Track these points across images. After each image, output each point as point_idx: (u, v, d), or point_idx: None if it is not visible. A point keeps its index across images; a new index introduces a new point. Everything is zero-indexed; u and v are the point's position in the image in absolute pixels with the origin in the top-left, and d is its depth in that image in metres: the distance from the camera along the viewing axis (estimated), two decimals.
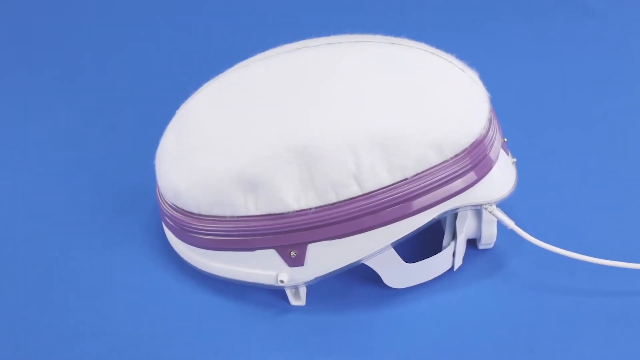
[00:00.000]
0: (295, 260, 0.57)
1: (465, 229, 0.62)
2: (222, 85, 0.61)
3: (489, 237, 0.64)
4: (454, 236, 0.63)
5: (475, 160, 0.56)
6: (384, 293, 0.63)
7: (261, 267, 0.59)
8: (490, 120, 0.59)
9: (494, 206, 0.59)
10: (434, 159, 0.55)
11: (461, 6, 1.06)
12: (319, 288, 0.63)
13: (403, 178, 0.54)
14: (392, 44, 0.60)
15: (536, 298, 0.63)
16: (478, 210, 0.62)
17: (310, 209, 0.55)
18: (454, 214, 0.62)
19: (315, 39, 0.63)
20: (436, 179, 0.55)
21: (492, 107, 0.60)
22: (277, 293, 0.64)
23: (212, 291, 0.65)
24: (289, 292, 0.62)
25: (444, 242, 0.63)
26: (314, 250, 0.57)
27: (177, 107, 0.64)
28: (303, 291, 0.63)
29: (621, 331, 0.60)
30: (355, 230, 0.55)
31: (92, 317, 0.64)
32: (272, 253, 0.57)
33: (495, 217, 0.59)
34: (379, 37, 0.62)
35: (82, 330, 0.63)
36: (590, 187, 0.74)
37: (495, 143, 0.58)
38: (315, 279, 0.59)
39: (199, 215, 0.59)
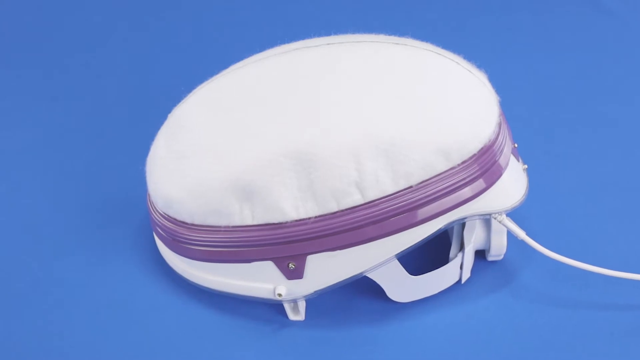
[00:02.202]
0: (294, 273, 0.55)
1: (474, 239, 0.60)
2: (216, 88, 0.59)
3: (498, 248, 0.62)
4: (461, 247, 0.60)
5: (484, 167, 0.54)
6: (388, 307, 0.61)
7: (258, 280, 0.57)
8: (499, 125, 0.56)
9: (504, 215, 0.57)
10: (441, 166, 0.53)
11: (469, 4, 1.04)
12: (319, 302, 0.61)
13: (408, 186, 0.52)
14: (396, 44, 0.58)
15: (548, 312, 0.61)
16: (487, 220, 0.60)
17: (309, 218, 0.53)
18: (462, 224, 0.60)
19: (315, 39, 0.61)
20: (443, 186, 0.53)
21: (501, 110, 0.58)
22: (274, 307, 0.62)
23: (206, 305, 0.62)
24: (287, 307, 0.60)
25: (451, 254, 0.61)
26: (313, 262, 0.54)
27: (169, 111, 0.62)
28: (302, 305, 0.60)
29: (637, 346, 0.57)
30: (357, 241, 0.53)
31: (79, 333, 0.61)
32: (269, 265, 0.55)
33: (505, 227, 0.57)
34: (382, 37, 0.60)
35: (67, 347, 0.60)
36: (604, 196, 0.72)
37: (505, 149, 0.56)
38: (315, 292, 0.57)
39: (192, 225, 0.57)
